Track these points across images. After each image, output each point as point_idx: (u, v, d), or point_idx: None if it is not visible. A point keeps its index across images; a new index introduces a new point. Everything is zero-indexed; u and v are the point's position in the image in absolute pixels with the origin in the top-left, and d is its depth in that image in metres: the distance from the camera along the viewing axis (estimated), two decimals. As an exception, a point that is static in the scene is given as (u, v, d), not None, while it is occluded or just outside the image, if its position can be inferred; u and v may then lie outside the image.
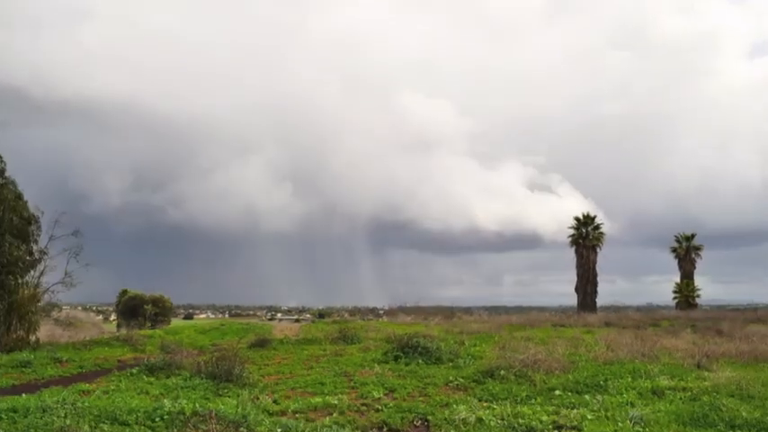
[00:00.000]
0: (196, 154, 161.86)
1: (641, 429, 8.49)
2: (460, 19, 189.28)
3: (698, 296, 48.30)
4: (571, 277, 48.10)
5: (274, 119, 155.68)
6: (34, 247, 23.65)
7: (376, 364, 15.39)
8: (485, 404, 10.38)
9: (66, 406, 9.15)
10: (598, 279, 47.10)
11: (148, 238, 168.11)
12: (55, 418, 8.38)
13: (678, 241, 48.61)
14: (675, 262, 48.81)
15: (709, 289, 79.49)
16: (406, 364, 15.43)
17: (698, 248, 48.29)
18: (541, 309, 53.43)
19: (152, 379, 14.08)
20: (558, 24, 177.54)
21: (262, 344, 22.25)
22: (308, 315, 79.76)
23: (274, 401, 11.01)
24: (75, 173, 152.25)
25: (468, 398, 11.04)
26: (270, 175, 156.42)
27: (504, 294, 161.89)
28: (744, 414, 8.88)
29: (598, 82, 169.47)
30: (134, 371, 15.19)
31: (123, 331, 32.50)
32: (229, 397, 11.24)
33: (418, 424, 9.42)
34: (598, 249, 47.43)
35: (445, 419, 9.22)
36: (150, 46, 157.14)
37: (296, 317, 78.02)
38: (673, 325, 30.31)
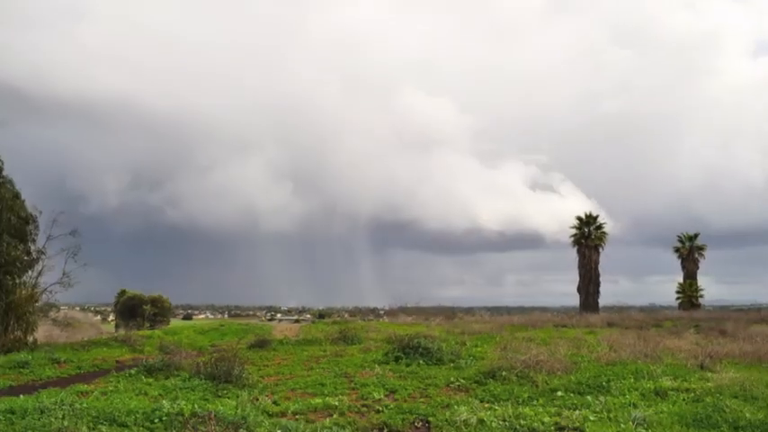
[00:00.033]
0: (195, 153, 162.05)
1: (644, 431, 8.44)
2: (461, 18, 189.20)
3: (701, 296, 48.25)
4: (573, 277, 48.19)
5: (274, 118, 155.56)
6: (32, 247, 23.60)
7: (376, 365, 15.33)
8: (486, 405, 10.32)
9: (64, 407, 9.15)
10: (600, 279, 47.14)
11: (147, 237, 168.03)
12: (53, 420, 8.35)
13: (681, 241, 48.45)
14: (678, 262, 48.71)
15: (712, 289, 79.11)
16: (407, 365, 15.38)
17: (701, 248, 48.16)
18: (543, 309, 53.39)
19: (151, 380, 14.03)
20: (560, 22, 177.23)
21: (261, 344, 22.19)
22: (308, 315, 79.80)
23: (274, 402, 10.96)
24: (74, 172, 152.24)
25: (470, 399, 10.99)
26: (270, 174, 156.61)
27: (506, 294, 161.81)
28: (747, 415, 8.82)
29: (600, 80, 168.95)
30: (132, 372, 15.15)
31: (122, 332, 32.40)
32: (229, 398, 11.20)
33: (419, 425, 9.36)
34: (600, 249, 47.41)
35: (446, 421, 9.17)
36: (150, 46, 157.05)
37: (296, 317, 78.03)
38: (676, 325, 30.22)
